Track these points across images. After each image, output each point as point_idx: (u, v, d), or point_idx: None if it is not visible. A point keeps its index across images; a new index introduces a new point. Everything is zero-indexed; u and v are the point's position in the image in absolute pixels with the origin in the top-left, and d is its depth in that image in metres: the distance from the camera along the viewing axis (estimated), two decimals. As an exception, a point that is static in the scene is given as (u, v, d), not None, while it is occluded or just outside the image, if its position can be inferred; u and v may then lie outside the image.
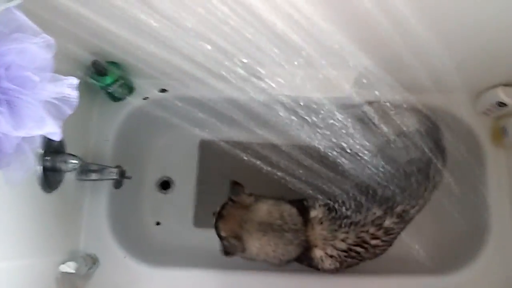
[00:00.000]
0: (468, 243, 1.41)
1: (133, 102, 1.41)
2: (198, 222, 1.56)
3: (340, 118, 1.17)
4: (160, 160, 1.61)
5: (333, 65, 1.19)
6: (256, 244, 1.18)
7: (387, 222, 1.18)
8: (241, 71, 1.18)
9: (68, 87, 0.65)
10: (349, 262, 1.21)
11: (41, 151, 1.02)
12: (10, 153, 0.59)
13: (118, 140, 1.40)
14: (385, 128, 1.22)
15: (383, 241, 1.20)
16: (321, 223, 1.19)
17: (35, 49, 0.60)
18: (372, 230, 1.18)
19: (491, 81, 1.38)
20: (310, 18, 0.96)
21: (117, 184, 1.34)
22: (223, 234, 1.20)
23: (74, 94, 0.65)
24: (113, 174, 1.25)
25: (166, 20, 0.97)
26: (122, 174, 1.28)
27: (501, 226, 1.38)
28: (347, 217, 1.18)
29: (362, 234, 1.18)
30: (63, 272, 1.11)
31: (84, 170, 1.23)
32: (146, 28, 0.98)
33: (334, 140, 1.19)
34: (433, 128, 1.31)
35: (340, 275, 1.28)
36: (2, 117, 0.56)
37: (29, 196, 0.98)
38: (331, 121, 1.18)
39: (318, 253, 1.19)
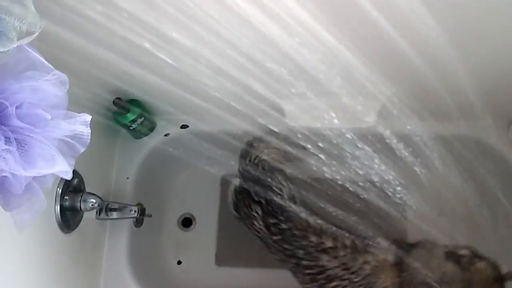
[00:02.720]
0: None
1: (155, 139, 1.40)
2: (220, 260, 1.51)
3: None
4: (182, 197, 1.59)
5: (357, 95, 1.16)
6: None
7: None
8: (261, 104, 1.16)
9: (81, 124, 0.64)
10: None
11: (59, 190, 1.01)
12: (20, 194, 0.57)
13: (139, 177, 1.39)
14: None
15: None
16: None
17: (48, 87, 0.59)
18: None
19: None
20: (333, 46, 0.94)
21: (138, 222, 1.32)
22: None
23: (86, 131, 0.63)
24: (134, 212, 1.22)
25: (183, 55, 0.97)
26: (143, 212, 1.25)
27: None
28: None
29: None
30: (81, 316, 1.07)
31: (104, 209, 1.21)
32: (165, 64, 0.98)
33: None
34: None
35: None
36: (12, 156, 0.54)
37: (47, 237, 0.96)
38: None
39: None
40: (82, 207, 1.07)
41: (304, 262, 1.16)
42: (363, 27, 0.92)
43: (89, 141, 0.64)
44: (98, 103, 1.20)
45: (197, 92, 1.13)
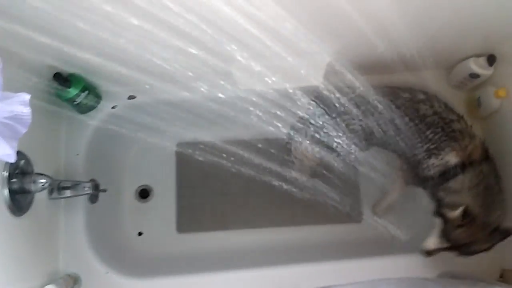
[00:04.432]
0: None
1: (101, 112, 1.36)
2: (181, 227, 1.53)
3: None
4: (136, 169, 1.57)
5: (301, 54, 1.17)
6: None
7: None
8: (210, 70, 1.15)
9: (20, 104, 0.61)
10: None
11: (6, 173, 0.97)
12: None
13: (89, 153, 1.35)
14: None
15: None
16: None
17: (-23, 68, 0.55)
18: None
19: (461, 54, 1.39)
20: (273, 8, 0.94)
21: (93, 198, 1.30)
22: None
23: (26, 111, 0.61)
24: (87, 188, 1.22)
25: (122, 28, 0.94)
26: (97, 188, 1.24)
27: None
28: None
29: None
30: (43, 296, 1.06)
31: (56, 188, 1.19)
32: (107, 33, 0.95)
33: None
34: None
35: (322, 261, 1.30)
36: None
37: (-3, 222, 0.93)
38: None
39: None
40: (32, 188, 1.04)
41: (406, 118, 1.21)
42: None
43: (30, 121, 0.62)
44: (38, 80, 1.14)
45: (142, 63, 1.09)
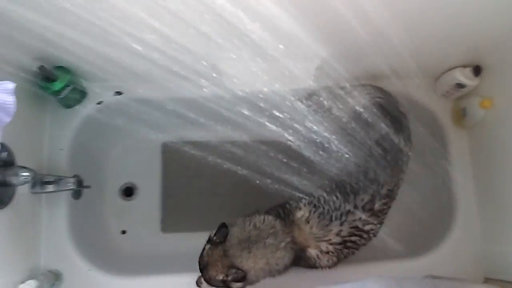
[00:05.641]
0: (436, 224, 1.43)
1: (87, 107, 1.35)
2: (166, 227, 1.52)
3: (301, 109, 1.15)
4: (121, 166, 1.56)
5: (292, 57, 1.17)
6: (250, 265, 1.10)
7: (377, 205, 1.18)
8: (199, 68, 1.15)
9: (4, 93, 0.60)
10: (345, 254, 1.20)
11: (-14, 165, 0.95)
12: None
13: (74, 148, 1.33)
14: (341, 111, 1.21)
15: (375, 224, 1.19)
16: (308, 222, 1.17)
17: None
18: (364, 216, 1.17)
19: (448, 64, 1.40)
20: (269, 9, 0.94)
21: (76, 194, 1.29)
22: (220, 277, 1.09)
23: (10, 99, 0.60)
24: (71, 184, 1.20)
25: (115, 18, 0.93)
26: (80, 184, 1.23)
27: (466, 205, 1.41)
28: (336, 209, 1.17)
29: (356, 223, 1.17)
30: (23, 292, 1.04)
31: (39, 182, 1.17)
32: (94, 27, 0.93)
33: (302, 132, 1.17)
34: (385, 97, 1.31)
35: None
36: None
37: (-24, 214, 0.91)
38: (293, 112, 1.16)
39: (313, 252, 1.17)
40: (14, 181, 1.02)
41: None
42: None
43: (14, 110, 0.61)
44: (23, 71, 1.12)
45: (130, 57, 1.08)
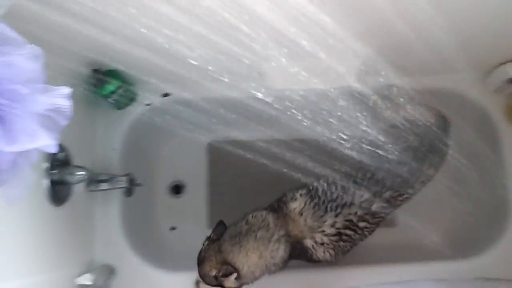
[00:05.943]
0: (488, 225, 1.37)
1: (136, 109, 1.40)
2: (213, 223, 1.54)
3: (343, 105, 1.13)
4: (170, 165, 1.60)
5: (335, 55, 1.16)
6: (243, 260, 1.11)
7: (375, 206, 1.15)
8: (242, 69, 1.16)
9: (61, 97, 0.63)
10: (342, 247, 1.18)
11: (47, 165, 1.01)
12: (6, 170, 0.58)
13: (125, 148, 1.39)
14: (392, 112, 1.19)
15: (370, 223, 1.17)
16: (302, 214, 1.16)
17: (22, 61, 0.58)
18: (360, 212, 1.15)
19: (500, 58, 1.33)
20: (309, 8, 0.93)
21: (128, 192, 1.34)
22: (212, 273, 1.11)
23: (67, 104, 0.63)
24: (123, 182, 1.24)
25: (161, 23, 0.96)
26: (132, 182, 1.27)
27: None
28: (332, 200, 1.15)
29: (350, 217, 1.15)
30: (80, 285, 1.10)
31: (93, 181, 1.23)
32: (143, 34, 0.97)
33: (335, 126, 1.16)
34: (444, 124, 1.26)
35: (354, 266, 1.27)
36: (-6, 133, 0.55)
37: (38, 211, 0.97)
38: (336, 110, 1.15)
39: (308, 243, 1.16)
40: (71, 180, 1.08)
41: None
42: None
43: (71, 114, 0.65)
44: (77, 76, 1.19)
45: (177, 60, 1.11)
